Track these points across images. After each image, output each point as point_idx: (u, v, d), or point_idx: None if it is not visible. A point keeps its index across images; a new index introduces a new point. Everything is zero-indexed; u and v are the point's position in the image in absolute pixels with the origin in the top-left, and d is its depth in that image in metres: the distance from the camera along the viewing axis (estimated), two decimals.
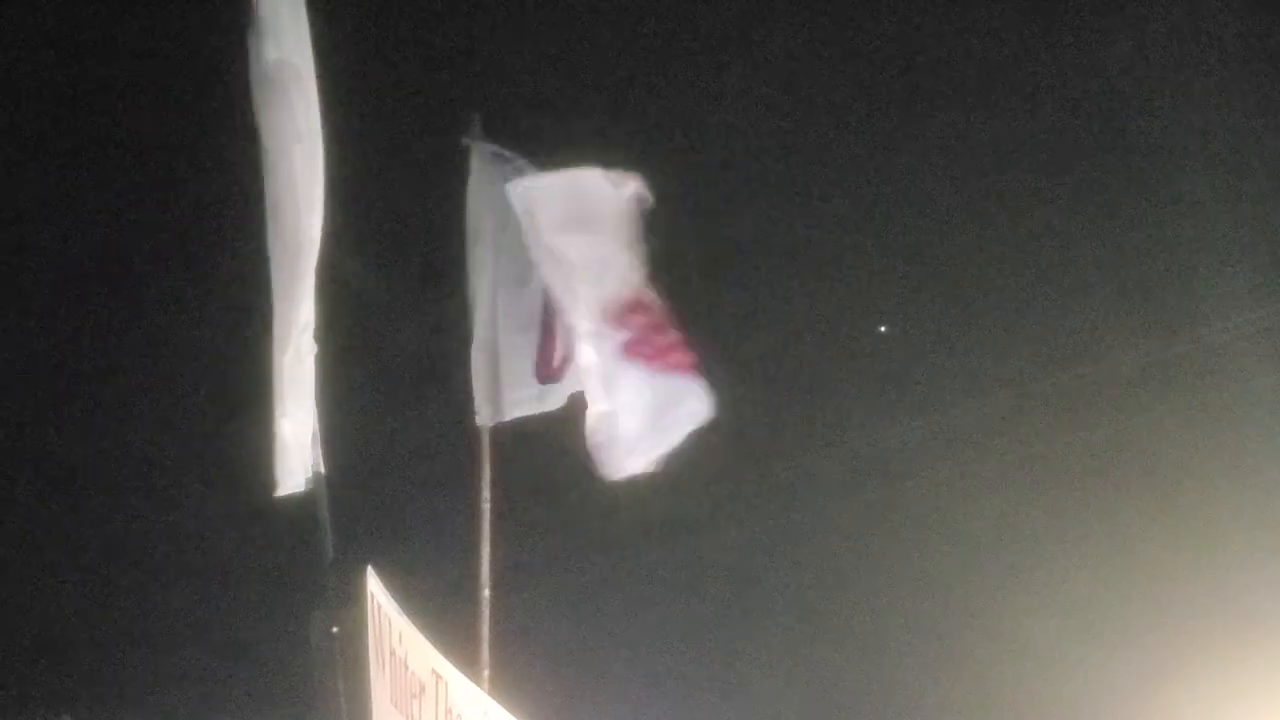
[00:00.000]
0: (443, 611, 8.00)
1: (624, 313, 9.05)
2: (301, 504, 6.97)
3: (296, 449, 6.88)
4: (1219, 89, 17.50)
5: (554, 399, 9.44)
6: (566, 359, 9.31)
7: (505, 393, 9.30)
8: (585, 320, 9.02)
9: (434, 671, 7.56)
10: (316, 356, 6.99)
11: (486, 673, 8.88)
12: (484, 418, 9.33)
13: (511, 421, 9.42)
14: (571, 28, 17.42)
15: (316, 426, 7.00)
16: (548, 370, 9.36)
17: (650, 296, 9.10)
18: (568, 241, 9.02)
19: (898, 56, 18.57)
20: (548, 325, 9.34)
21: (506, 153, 9.36)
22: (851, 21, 18.21)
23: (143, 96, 17.61)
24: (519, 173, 9.28)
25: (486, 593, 9.10)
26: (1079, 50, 18.19)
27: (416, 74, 17.26)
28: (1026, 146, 18.48)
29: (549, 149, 9.48)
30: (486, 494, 9.26)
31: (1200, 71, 17.50)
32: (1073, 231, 18.57)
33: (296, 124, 6.89)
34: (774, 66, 17.84)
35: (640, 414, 9.08)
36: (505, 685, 8.87)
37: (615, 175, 9.07)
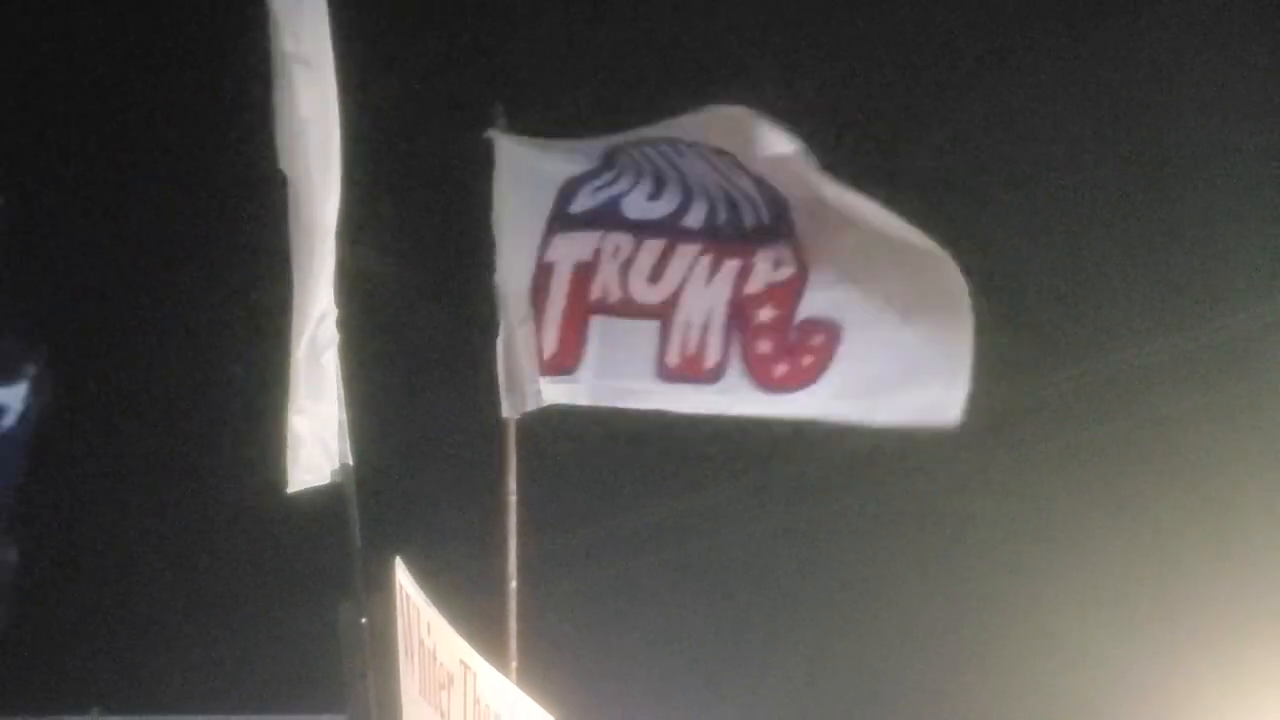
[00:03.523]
0: (470, 603, 8.01)
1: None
2: (330, 496, 6.98)
3: (311, 443, 6.87)
4: (1242, 80, 17.46)
5: (554, 394, 9.33)
6: (563, 353, 9.22)
7: (528, 384, 9.25)
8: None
9: (462, 662, 7.57)
10: (340, 347, 6.99)
11: (514, 664, 8.89)
12: (508, 409, 9.30)
13: (537, 413, 9.39)
14: (595, 18, 17.41)
15: (343, 418, 7.01)
16: (542, 362, 9.26)
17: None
18: None
19: (920, 50, 18.56)
20: (538, 313, 9.24)
21: (531, 141, 9.33)
22: (877, 17, 18.20)
23: (160, 87, 17.64)
24: (545, 159, 9.25)
25: (514, 584, 9.10)
26: (1100, 43, 18.16)
27: (439, 62, 17.26)
28: (1048, 138, 18.45)
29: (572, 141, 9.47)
30: (513, 486, 9.25)
31: (1223, 63, 17.46)
32: (1095, 222, 18.53)
33: (313, 112, 6.88)
34: (798, 58, 17.82)
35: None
36: (533, 676, 8.88)
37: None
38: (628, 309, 9.15)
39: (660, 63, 17.58)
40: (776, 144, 8.95)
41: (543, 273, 9.17)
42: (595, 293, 9.16)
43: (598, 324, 9.16)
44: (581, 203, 9.18)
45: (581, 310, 9.17)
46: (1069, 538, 17.63)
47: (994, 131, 18.39)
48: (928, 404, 9.13)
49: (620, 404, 9.23)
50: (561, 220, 9.18)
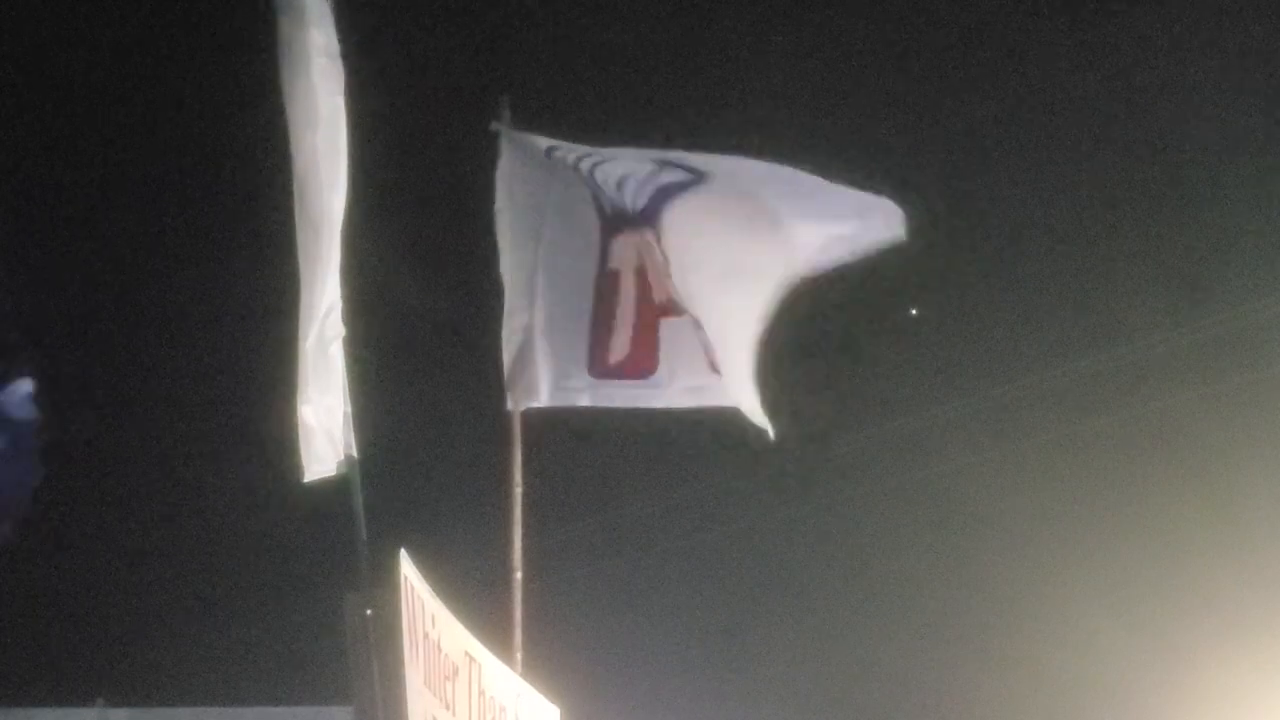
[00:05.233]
0: (476, 594, 8.02)
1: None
2: (335, 488, 6.99)
3: (320, 434, 6.87)
4: (1247, 73, 17.46)
5: (612, 397, 9.37)
6: (639, 357, 9.25)
7: (545, 379, 9.26)
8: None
9: (467, 654, 7.58)
10: (345, 339, 7.00)
11: (519, 655, 8.90)
12: (516, 402, 9.31)
13: (543, 406, 9.40)
14: (600, 12, 17.41)
15: (349, 409, 7.01)
16: (604, 365, 9.29)
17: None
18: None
19: (923, 41, 18.55)
20: (604, 316, 9.27)
21: (537, 137, 9.34)
22: (881, 11, 18.20)
23: (167, 80, 17.65)
24: (550, 155, 9.26)
25: (519, 576, 9.11)
26: (1105, 35, 18.15)
27: (446, 55, 17.27)
28: (1051, 132, 18.45)
29: (578, 133, 9.48)
30: (518, 478, 9.26)
31: (1228, 55, 17.45)
32: (1107, 214, 18.53)
33: (320, 104, 6.88)
34: (799, 54, 17.82)
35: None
36: (538, 667, 8.89)
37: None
38: (676, 308, 9.21)
39: (663, 57, 17.58)
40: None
41: (610, 280, 9.24)
42: (658, 295, 9.23)
43: (665, 328, 9.25)
44: (629, 200, 9.21)
45: (650, 314, 9.24)
46: (1074, 528, 17.64)
47: (997, 125, 18.39)
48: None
49: (690, 404, 9.32)
50: (609, 223, 9.23)
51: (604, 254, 9.26)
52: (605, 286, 9.26)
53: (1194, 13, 17.48)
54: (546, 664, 9.01)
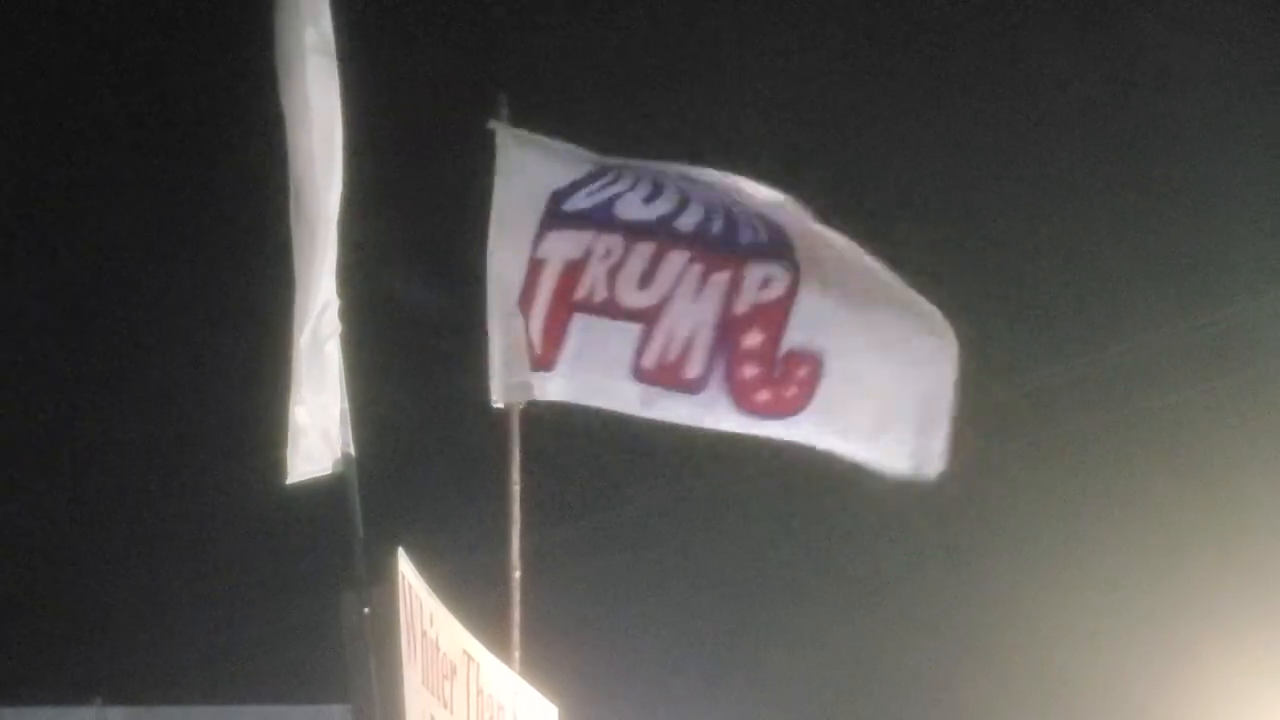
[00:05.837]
0: (474, 593, 8.01)
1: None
2: (332, 486, 6.98)
3: (313, 434, 6.86)
4: (1242, 70, 17.46)
5: (544, 390, 9.30)
6: (546, 349, 9.19)
7: (515, 375, 9.22)
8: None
9: (465, 653, 7.57)
10: (342, 336, 6.99)
11: (517, 654, 8.88)
12: (495, 399, 9.28)
13: (540, 403, 9.38)
14: (600, 9, 17.42)
15: (345, 408, 7.00)
16: (533, 358, 9.25)
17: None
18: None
19: (920, 40, 18.56)
20: (525, 307, 9.23)
21: (534, 135, 9.32)
22: (882, 16, 18.21)
23: (162, 77, 17.66)
24: (546, 155, 9.24)
25: (517, 574, 9.10)
26: (1099, 32, 18.15)
27: (443, 52, 17.27)
28: (1048, 131, 18.45)
29: (577, 133, 9.47)
30: (516, 476, 9.24)
31: (1223, 53, 17.46)
32: (1106, 213, 18.53)
33: (316, 102, 6.88)
34: (800, 54, 17.82)
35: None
36: (536, 666, 8.88)
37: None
38: (611, 310, 9.11)
39: (664, 55, 17.57)
40: (769, 194, 9.03)
41: (534, 269, 9.17)
42: (581, 291, 9.13)
43: (579, 322, 9.14)
44: (576, 202, 9.17)
45: (565, 308, 9.15)
46: (1073, 528, 17.64)
47: (994, 124, 18.39)
48: (905, 452, 9.19)
49: (593, 402, 9.21)
50: (555, 218, 9.16)
51: (535, 243, 9.21)
52: (528, 276, 9.21)
53: (1194, 10, 17.48)
54: (544, 662, 8.99)
